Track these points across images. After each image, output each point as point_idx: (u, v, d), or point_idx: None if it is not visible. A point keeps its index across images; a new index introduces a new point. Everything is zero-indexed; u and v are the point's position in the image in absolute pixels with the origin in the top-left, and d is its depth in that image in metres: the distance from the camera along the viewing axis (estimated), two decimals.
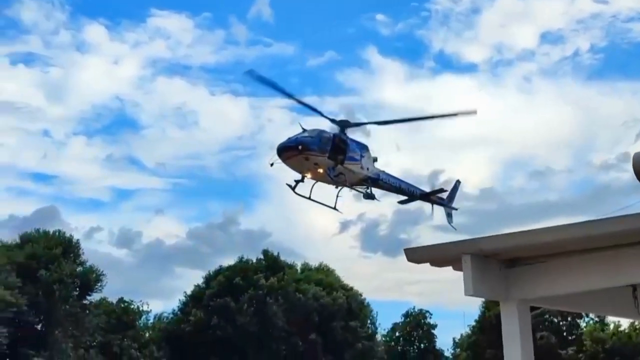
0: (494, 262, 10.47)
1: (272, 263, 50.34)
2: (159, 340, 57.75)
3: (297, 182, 27.73)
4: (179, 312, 50.39)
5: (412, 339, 74.94)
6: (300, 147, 25.08)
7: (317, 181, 27.38)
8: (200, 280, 51.51)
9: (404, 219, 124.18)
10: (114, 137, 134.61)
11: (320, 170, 25.46)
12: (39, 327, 38.12)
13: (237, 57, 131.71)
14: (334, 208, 29.58)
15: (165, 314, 62.71)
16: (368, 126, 31.32)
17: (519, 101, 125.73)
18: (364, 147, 28.63)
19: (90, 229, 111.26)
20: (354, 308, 50.76)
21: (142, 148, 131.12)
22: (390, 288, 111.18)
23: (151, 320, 68.09)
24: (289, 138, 26.39)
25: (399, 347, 68.20)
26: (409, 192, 31.94)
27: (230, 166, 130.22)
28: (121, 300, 61.76)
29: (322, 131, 26.96)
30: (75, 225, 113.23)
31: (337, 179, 26.55)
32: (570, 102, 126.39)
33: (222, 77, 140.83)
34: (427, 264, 10.90)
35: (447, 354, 78.68)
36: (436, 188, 34.46)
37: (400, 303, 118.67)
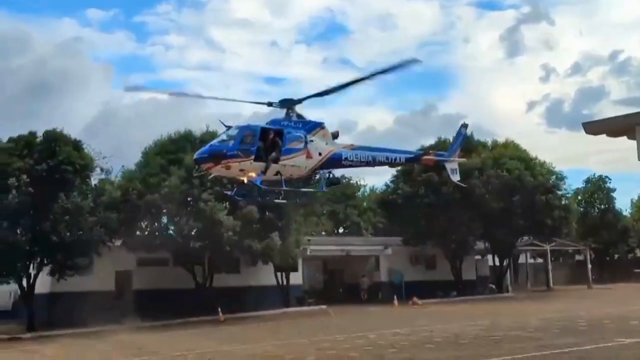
0: None
1: (467, 141, 49.91)
2: (375, 207, 60.16)
3: (234, 186, 21.67)
4: (390, 184, 51.49)
5: (593, 201, 73.10)
6: (213, 157, 18.36)
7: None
8: None
9: (587, 97, 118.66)
10: (328, 43, 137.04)
11: (252, 174, 18.84)
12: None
13: None
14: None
15: (377, 187, 65.31)
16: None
17: None
18: (313, 128, 20.50)
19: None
20: (546, 179, 49.03)
21: (352, 50, 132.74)
22: (573, 158, 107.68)
23: (367, 192, 71.08)
24: (204, 146, 19.81)
25: (580, 209, 66.37)
26: (388, 162, 23.24)
27: (427, 60, 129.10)
28: (343, 176, 64.57)
29: (246, 128, 19.07)
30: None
31: (279, 177, 19.62)
32: None
33: None
34: (604, 135, 10.91)
35: (626, 213, 76.20)
36: (417, 152, 25.79)
37: (582, 171, 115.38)
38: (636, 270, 63.41)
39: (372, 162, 22.69)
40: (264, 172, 18.69)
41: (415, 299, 41.92)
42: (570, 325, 24.00)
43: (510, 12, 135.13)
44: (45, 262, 35.19)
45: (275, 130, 19.11)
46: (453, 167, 24.84)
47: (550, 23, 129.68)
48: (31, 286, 35.73)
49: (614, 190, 73.67)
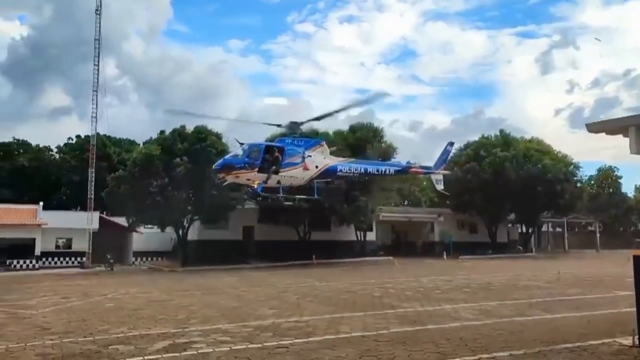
0: None
1: (504, 139, 48.16)
2: (431, 185, 58.83)
3: (251, 189, 19.52)
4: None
5: (603, 185, 69.34)
6: (225, 168, 17.13)
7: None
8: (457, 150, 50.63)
9: (604, 105, 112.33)
10: (402, 64, 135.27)
11: (258, 182, 17.52)
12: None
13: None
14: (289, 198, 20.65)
15: None
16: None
17: None
18: (313, 145, 18.50)
19: (392, 121, 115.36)
20: (566, 168, 46.52)
21: (420, 69, 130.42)
22: (590, 152, 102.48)
23: None
24: (220, 159, 18.38)
25: (592, 191, 62.88)
26: (379, 173, 21.17)
27: (477, 76, 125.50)
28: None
29: (253, 145, 17.72)
30: (383, 118, 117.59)
31: (279, 185, 17.98)
32: None
33: (472, 15, 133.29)
34: (603, 134, 10.24)
35: (630, 195, 72.02)
36: (405, 165, 23.19)
37: (598, 162, 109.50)
38: (637, 240, 59.52)
39: (365, 173, 20.72)
40: (265, 182, 17.43)
41: (460, 256, 41.06)
42: (578, 279, 22.88)
43: (544, 40, 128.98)
44: (195, 217, 36.55)
45: (277, 147, 17.64)
46: (438, 178, 22.23)
47: (576, 48, 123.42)
48: (185, 234, 37.28)
49: (620, 177, 70.62)
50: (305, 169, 18.05)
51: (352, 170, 19.74)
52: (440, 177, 22.30)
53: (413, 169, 22.71)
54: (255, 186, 17.75)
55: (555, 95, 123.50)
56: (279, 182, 17.78)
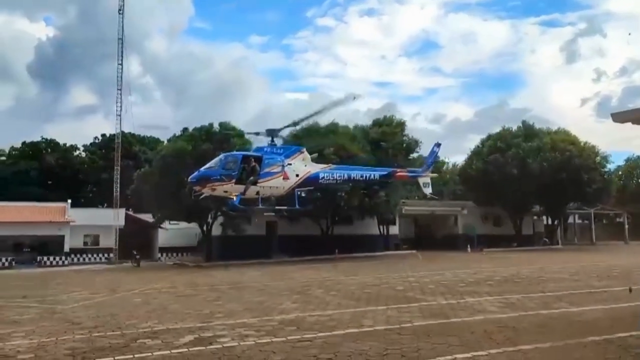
0: None
1: (527, 129, 47.43)
2: (454, 178, 58.44)
3: (229, 202, 18.58)
4: (466, 161, 49.94)
5: (631, 175, 67.88)
6: (201, 180, 16.30)
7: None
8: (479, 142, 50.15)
9: (632, 94, 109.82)
10: (423, 56, 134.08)
11: (235, 194, 16.79)
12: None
13: None
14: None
15: (457, 163, 63.35)
16: None
17: None
18: (293, 153, 17.73)
19: (414, 114, 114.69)
20: (593, 158, 45.47)
21: (441, 61, 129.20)
22: (619, 142, 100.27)
23: (449, 167, 69.11)
24: (195, 172, 17.06)
25: (621, 181, 61.54)
26: (363, 179, 20.06)
27: (501, 67, 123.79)
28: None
29: (230, 156, 17.20)
30: (405, 111, 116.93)
31: (259, 196, 17.03)
32: None
33: (494, 5, 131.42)
34: (629, 123, 10.00)
35: None
36: (390, 170, 21.86)
37: (624, 152, 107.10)
38: None
39: (348, 180, 19.82)
40: (243, 193, 16.58)
41: (484, 249, 40.66)
42: (606, 272, 22.49)
43: (569, 28, 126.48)
44: (219, 213, 36.82)
45: (255, 157, 16.78)
46: (425, 182, 20.93)
47: (603, 36, 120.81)
48: (209, 230, 37.64)
49: None
50: (285, 178, 17.25)
51: (335, 177, 18.94)
52: (428, 180, 21.16)
53: (398, 173, 21.67)
54: (234, 198, 17.07)
55: (581, 84, 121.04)
56: (258, 192, 16.93)
